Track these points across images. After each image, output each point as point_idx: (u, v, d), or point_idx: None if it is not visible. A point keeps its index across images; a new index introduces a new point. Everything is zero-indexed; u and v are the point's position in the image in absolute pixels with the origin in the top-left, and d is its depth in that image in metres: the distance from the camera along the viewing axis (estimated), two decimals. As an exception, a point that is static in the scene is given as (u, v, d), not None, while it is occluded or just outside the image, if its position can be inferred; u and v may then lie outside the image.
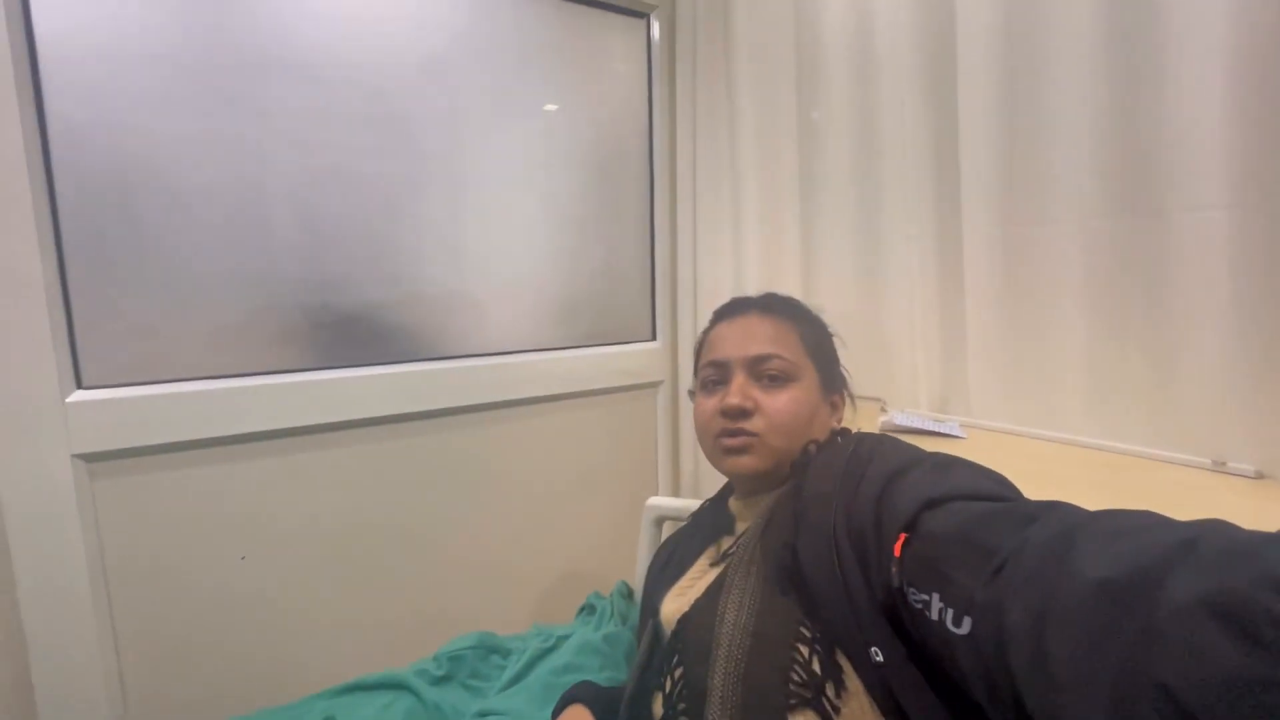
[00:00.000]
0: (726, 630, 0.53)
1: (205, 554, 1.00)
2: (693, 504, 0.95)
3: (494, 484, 1.26)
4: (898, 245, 1.15)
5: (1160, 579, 0.30)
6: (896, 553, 0.45)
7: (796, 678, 0.49)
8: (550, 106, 1.29)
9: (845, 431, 0.68)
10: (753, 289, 1.30)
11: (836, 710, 0.48)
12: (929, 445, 0.94)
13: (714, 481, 1.36)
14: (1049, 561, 0.35)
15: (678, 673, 0.58)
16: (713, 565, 0.65)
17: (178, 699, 0.99)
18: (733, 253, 1.33)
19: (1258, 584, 0.27)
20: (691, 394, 0.74)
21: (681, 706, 0.56)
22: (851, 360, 0.96)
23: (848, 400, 0.74)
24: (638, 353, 1.44)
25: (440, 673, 0.87)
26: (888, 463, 0.53)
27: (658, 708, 0.60)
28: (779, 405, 0.64)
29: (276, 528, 1.05)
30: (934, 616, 0.41)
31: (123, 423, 0.92)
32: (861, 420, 1.12)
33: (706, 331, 0.75)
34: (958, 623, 0.39)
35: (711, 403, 0.67)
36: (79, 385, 0.91)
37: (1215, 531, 0.32)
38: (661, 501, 1.01)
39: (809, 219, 1.29)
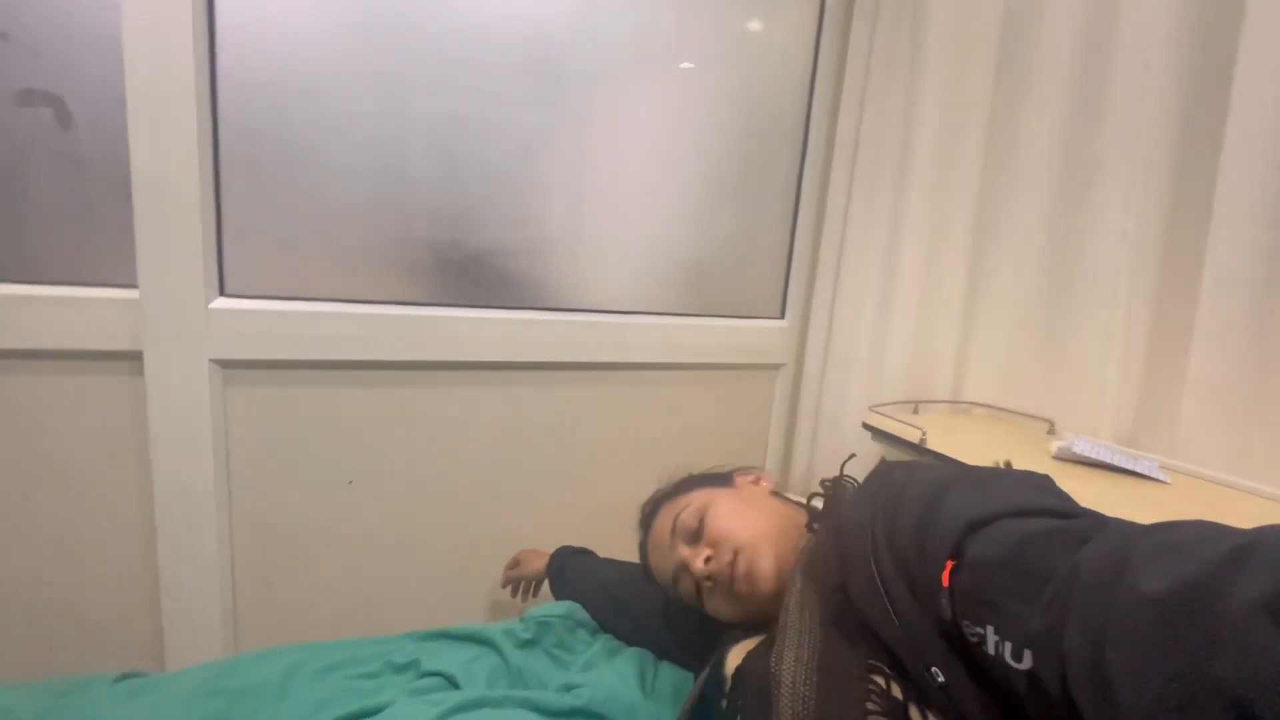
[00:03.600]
0: (788, 668, 0.50)
1: (318, 473, 1.02)
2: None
3: (595, 447, 1.21)
4: (1106, 241, 0.95)
5: (1217, 588, 0.30)
6: (945, 583, 0.43)
7: (874, 705, 0.47)
8: (698, 62, 1.18)
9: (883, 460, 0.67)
10: (904, 280, 1.14)
11: None
12: (1121, 485, 0.78)
13: None
14: (1104, 582, 0.34)
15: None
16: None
17: (281, 603, 1.03)
18: (888, 237, 1.17)
19: None
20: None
21: None
22: (1019, 370, 0.81)
23: (746, 470, 0.81)
24: (762, 330, 1.32)
25: (527, 636, 0.83)
26: (924, 485, 0.50)
27: None
28: (716, 529, 0.67)
29: (384, 459, 1.06)
30: (991, 651, 0.40)
31: (257, 334, 0.94)
32: (1024, 445, 0.96)
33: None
34: (1018, 657, 0.38)
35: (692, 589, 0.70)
36: (221, 292, 0.93)
37: (1270, 537, 0.32)
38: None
39: (989, 197, 1.11)
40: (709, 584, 0.66)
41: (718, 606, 0.67)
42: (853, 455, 0.79)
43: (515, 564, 1.07)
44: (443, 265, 1.05)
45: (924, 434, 0.94)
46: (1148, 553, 0.34)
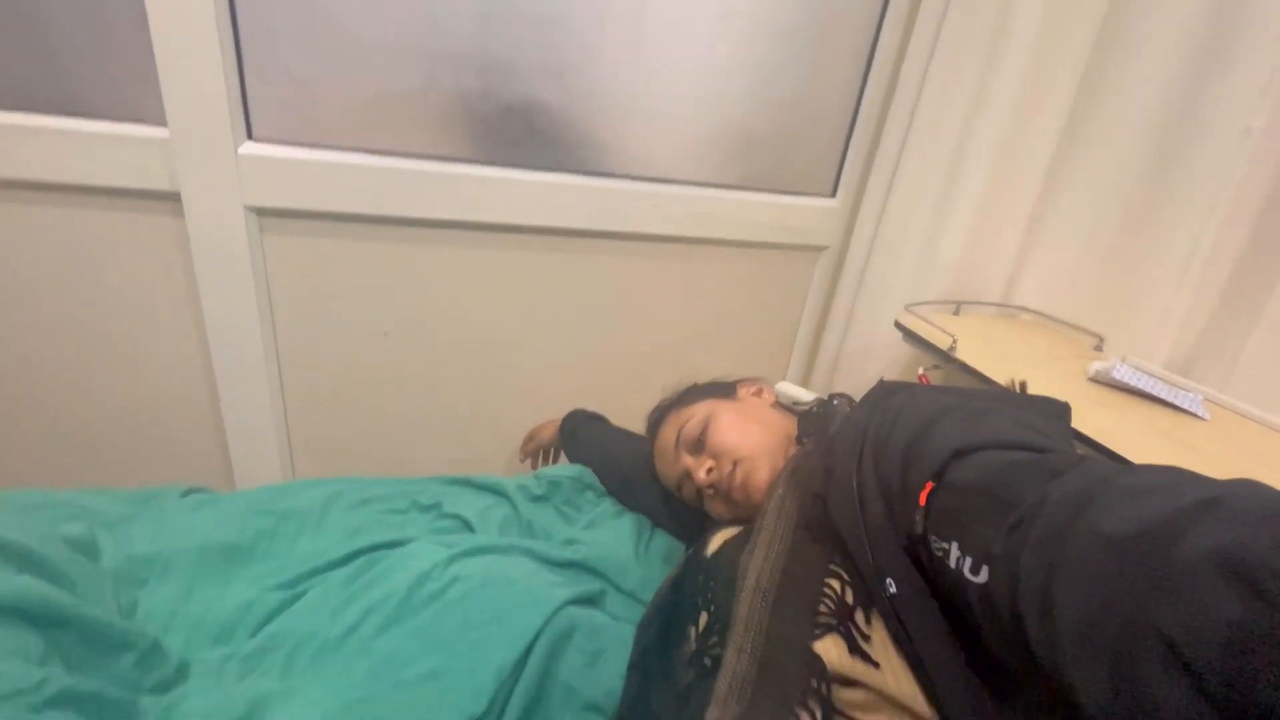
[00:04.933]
0: (756, 565, 0.54)
1: (354, 321, 1.07)
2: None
3: (622, 318, 1.22)
4: (1224, 139, 0.82)
5: (1176, 534, 0.30)
6: (922, 501, 0.45)
7: (825, 608, 0.50)
8: None
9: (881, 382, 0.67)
10: (974, 168, 1.03)
11: (866, 638, 0.48)
12: (1153, 418, 0.75)
13: (849, 381, 1.23)
14: (1066, 516, 0.35)
15: (711, 609, 0.57)
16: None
17: (328, 440, 1.14)
18: (965, 117, 1.03)
19: (1275, 546, 0.27)
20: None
21: (712, 642, 0.55)
22: (1081, 279, 0.73)
23: (749, 382, 0.83)
24: (810, 209, 1.24)
25: (539, 492, 0.91)
26: (920, 412, 0.52)
27: (689, 645, 0.59)
28: (718, 441, 0.70)
29: (419, 313, 1.09)
30: (952, 565, 0.41)
31: (289, 182, 0.94)
32: (1062, 361, 0.91)
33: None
34: (975, 571, 0.40)
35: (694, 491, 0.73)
36: (249, 136, 0.92)
37: (1242, 491, 0.32)
38: (787, 389, 0.91)
39: (1093, 83, 0.95)
40: (710, 491, 0.70)
41: (716, 509, 0.72)
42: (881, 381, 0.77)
43: (531, 438, 1.13)
44: (471, 118, 1.00)
45: (954, 341, 0.90)
46: (1114, 493, 0.35)
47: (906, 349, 1.06)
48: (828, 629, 0.49)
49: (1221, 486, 0.33)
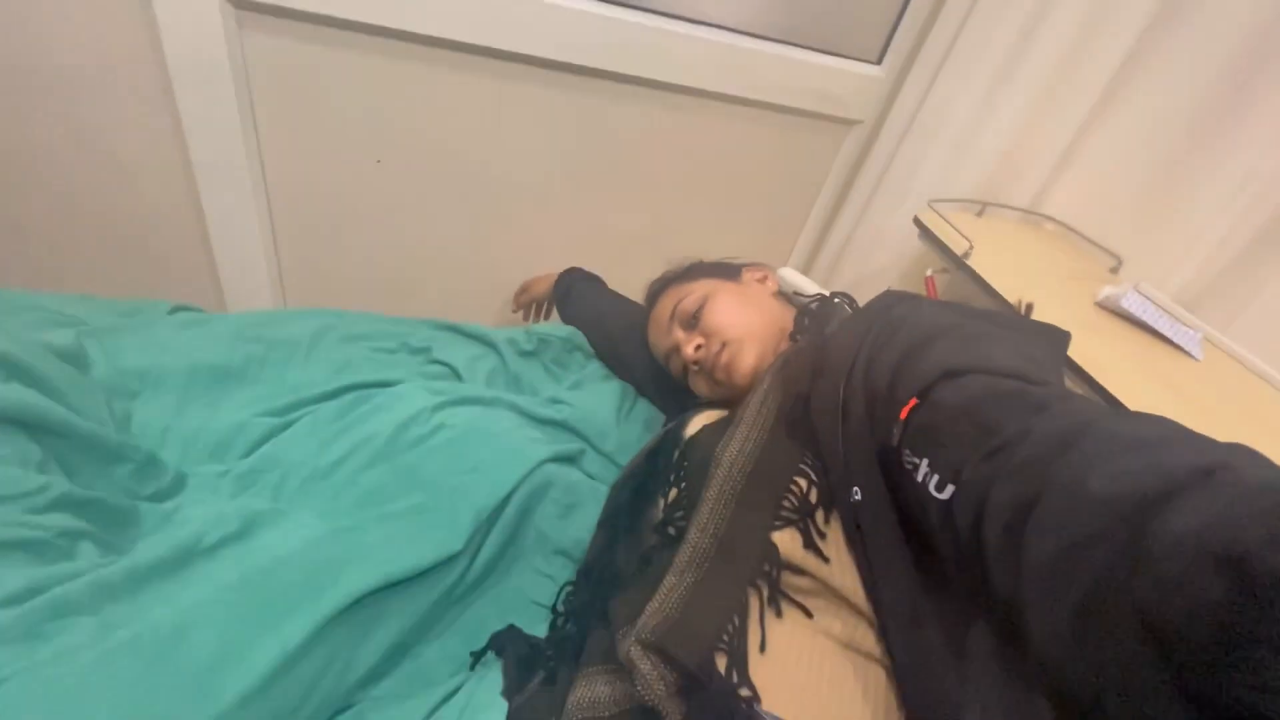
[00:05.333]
0: (730, 454, 0.55)
1: (344, 144, 1.00)
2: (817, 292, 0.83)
3: (630, 170, 1.15)
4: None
5: (1163, 502, 0.29)
6: (903, 415, 0.45)
7: (789, 503, 0.52)
8: None
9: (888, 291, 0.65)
10: (1035, 59, 0.93)
11: (821, 535, 0.50)
12: (1146, 351, 0.75)
13: (854, 270, 1.20)
14: (1047, 456, 0.35)
15: (682, 486, 0.60)
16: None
17: (319, 268, 1.11)
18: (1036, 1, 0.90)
19: (1271, 542, 0.25)
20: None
21: (678, 515, 0.58)
22: (1115, 196, 0.69)
23: (755, 267, 0.80)
24: (850, 75, 1.12)
25: (528, 348, 0.91)
26: (916, 329, 0.51)
27: (657, 512, 0.63)
28: (711, 320, 0.70)
29: (414, 143, 1.02)
30: (919, 479, 0.42)
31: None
32: (1074, 281, 0.88)
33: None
34: (940, 489, 0.40)
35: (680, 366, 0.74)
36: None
37: (1240, 462, 0.29)
38: (791, 276, 0.89)
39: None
40: (695, 368, 0.71)
41: (699, 387, 0.73)
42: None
43: (524, 289, 1.11)
44: None
45: (970, 247, 0.86)
46: (1101, 441, 0.33)
47: (918, 244, 1.02)
48: (788, 522, 0.52)
49: (1217, 452, 0.31)
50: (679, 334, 0.73)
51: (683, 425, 0.67)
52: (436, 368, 0.85)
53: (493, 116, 1.02)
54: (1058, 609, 0.31)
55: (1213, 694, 0.26)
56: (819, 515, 0.51)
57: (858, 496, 0.49)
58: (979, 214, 1.04)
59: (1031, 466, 0.35)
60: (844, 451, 0.51)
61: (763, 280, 0.78)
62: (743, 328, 0.69)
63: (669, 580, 0.51)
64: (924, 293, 0.95)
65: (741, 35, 1.03)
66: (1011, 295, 0.78)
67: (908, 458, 0.44)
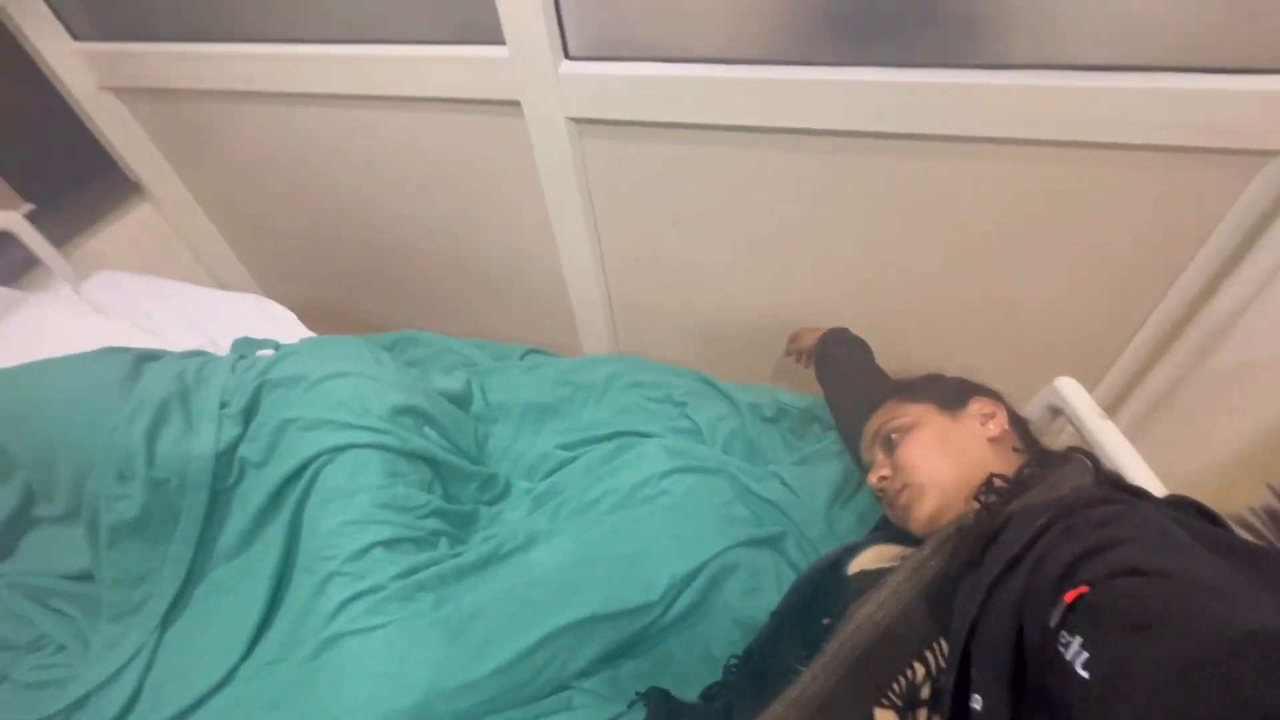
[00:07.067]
0: (860, 616, 0.57)
1: (662, 214, 1.19)
2: (1105, 426, 0.71)
3: (931, 233, 1.05)
4: None
5: None
6: (1069, 598, 0.40)
7: (898, 687, 0.52)
8: None
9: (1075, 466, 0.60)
10: None
11: None
12: None
13: (1210, 391, 0.89)
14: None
15: (826, 621, 0.64)
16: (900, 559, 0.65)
17: (644, 303, 1.38)
18: None
19: None
20: None
21: (806, 652, 0.62)
22: None
23: (987, 399, 0.73)
24: (1262, 95, 0.80)
25: (769, 414, 1.01)
26: (1114, 527, 0.44)
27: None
28: (904, 456, 0.69)
29: (726, 211, 1.14)
30: (1068, 656, 0.39)
31: (600, 95, 1.04)
32: None
33: None
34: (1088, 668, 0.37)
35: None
36: (566, 55, 1.02)
37: None
38: (1069, 391, 0.76)
39: None
40: (878, 493, 0.71)
41: (885, 509, 0.72)
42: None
43: (794, 338, 1.17)
44: (799, 12, 0.89)
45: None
46: None
47: None
48: (891, 706, 0.53)
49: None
50: (876, 454, 0.74)
51: (852, 555, 0.70)
52: (686, 423, 1.02)
53: (787, 187, 1.07)
54: None
55: None
56: (921, 714, 0.52)
57: (976, 705, 0.48)
58: None
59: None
60: (975, 654, 0.48)
61: (988, 419, 0.70)
62: (931, 474, 0.66)
63: (774, 708, 0.59)
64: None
65: (1106, 72, 0.83)
66: None
67: (1062, 639, 0.40)
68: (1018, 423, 0.72)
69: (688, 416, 1.03)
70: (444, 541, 0.83)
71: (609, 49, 1.01)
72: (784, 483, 0.90)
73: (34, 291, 1.29)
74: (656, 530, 0.83)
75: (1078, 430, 0.77)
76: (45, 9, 1.30)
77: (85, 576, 0.86)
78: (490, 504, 0.94)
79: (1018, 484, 0.60)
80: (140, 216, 1.58)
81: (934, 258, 1.08)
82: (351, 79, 1.18)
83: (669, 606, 0.79)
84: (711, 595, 0.80)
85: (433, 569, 0.77)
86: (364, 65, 1.15)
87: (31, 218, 1.29)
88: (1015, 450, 0.68)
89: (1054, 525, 0.48)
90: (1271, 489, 0.52)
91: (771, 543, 0.84)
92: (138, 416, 0.85)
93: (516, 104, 1.10)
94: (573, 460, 0.98)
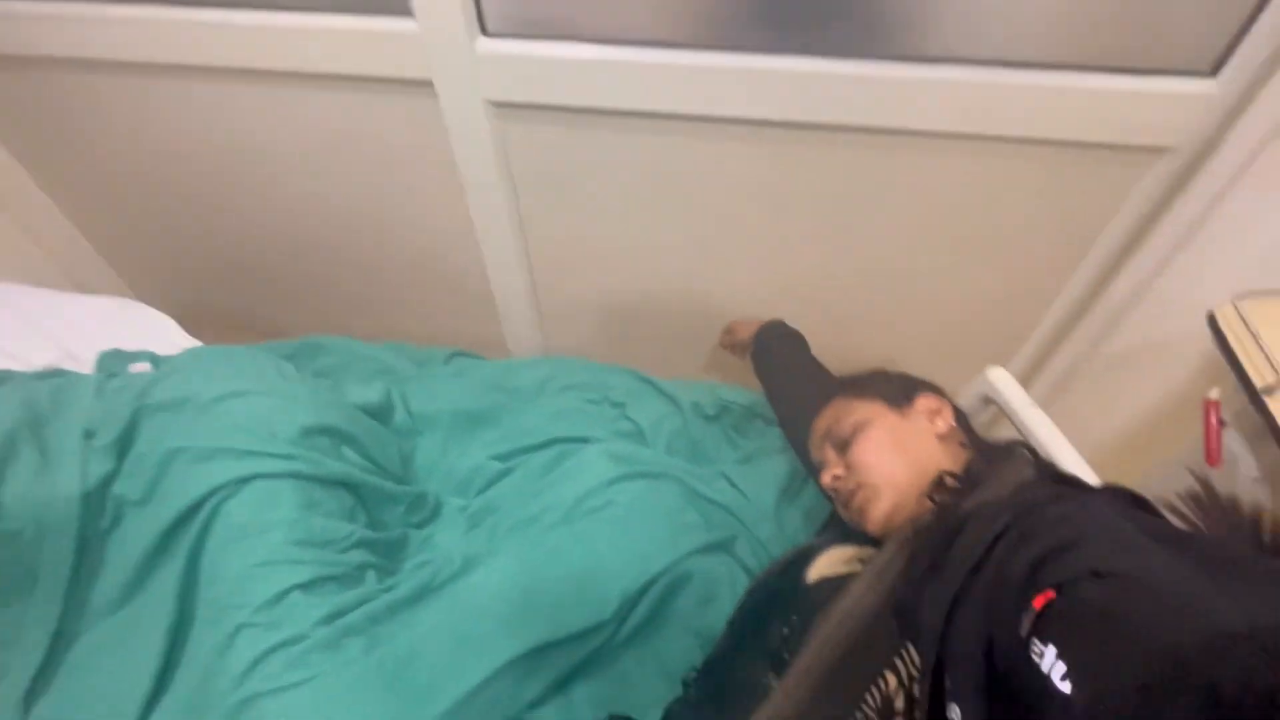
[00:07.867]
0: (830, 626, 0.56)
1: (590, 203, 1.13)
2: (1037, 416, 0.73)
3: (863, 222, 1.06)
4: None
5: None
6: (1037, 604, 0.40)
7: (870, 701, 0.52)
8: None
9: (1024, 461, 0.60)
10: None
11: None
12: None
13: (1110, 372, 0.96)
14: None
15: (785, 634, 0.63)
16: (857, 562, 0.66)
17: (571, 296, 1.31)
18: None
19: None
20: None
21: (787, 656, 0.60)
22: None
23: (932, 396, 0.74)
24: (1166, 94, 0.85)
25: (710, 413, 0.98)
26: (1069, 527, 0.44)
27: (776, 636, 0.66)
28: (856, 456, 0.69)
29: (656, 201, 1.10)
30: (1043, 668, 0.38)
31: (521, 78, 0.96)
32: None
33: None
34: (1064, 681, 0.36)
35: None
36: (484, 32, 0.94)
37: None
38: (1002, 383, 0.78)
39: None
40: (830, 493, 0.70)
41: (837, 508, 0.72)
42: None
43: (730, 330, 1.15)
44: None
45: (1277, 383, 0.64)
46: None
47: (1202, 364, 0.78)
48: (867, 718, 0.52)
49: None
50: (827, 453, 0.73)
51: (808, 560, 0.69)
52: (627, 424, 0.98)
53: (715, 176, 1.04)
54: None
55: None
56: None
57: (955, 716, 0.47)
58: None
59: None
60: (949, 656, 0.48)
61: (934, 415, 0.71)
62: (885, 475, 0.66)
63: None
64: (1201, 421, 0.73)
65: (1023, 69, 0.85)
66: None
67: (1034, 648, 0.40)
68: (961, 418, 0.73)
69: (628, 418, 0.99)
70: (372, 575, 0.75)
71: (530, 27, 0.93)
72: (731, 483, 0.89)
73: None
74: (604, 544, 0.78)
75: (1010, 419, 0.79)
76: None
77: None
78: (420, 527, 0.86)
79: (968, 481, 0.61)
80: (-32, 209, 1.34)
81: (858, 248, 1.10)
82: (236, 50, 1.03)
83: (622, 623, 0.76)
84: (666, 608, 0.77)
85: (361, 609, 0.69)
86: (251, 35, 1.01)
87: None
88: (961, 445, 0.69)
89: (1010, 529, 0.48)
90: (1193, 473, 0.55)
91: (724, 547, 0.82)
92: (-26, 457, 0.71)
93: (429, 84, 1.00)
94: (509, 472, 0.92)
